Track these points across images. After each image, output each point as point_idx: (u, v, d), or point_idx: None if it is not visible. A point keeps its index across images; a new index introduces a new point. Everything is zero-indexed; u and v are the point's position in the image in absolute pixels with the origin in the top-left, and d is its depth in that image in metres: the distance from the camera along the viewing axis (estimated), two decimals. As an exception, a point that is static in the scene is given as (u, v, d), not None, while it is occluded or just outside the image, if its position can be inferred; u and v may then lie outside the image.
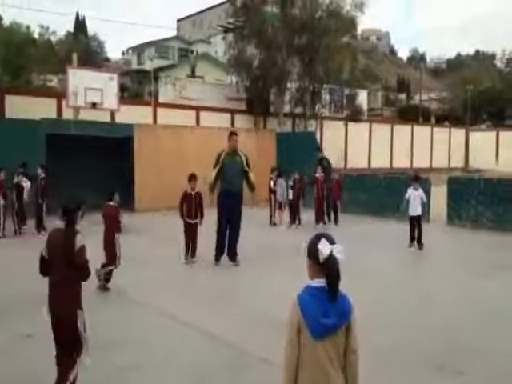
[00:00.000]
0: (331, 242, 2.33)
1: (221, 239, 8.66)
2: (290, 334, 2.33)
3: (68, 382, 3.64)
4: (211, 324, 5.68)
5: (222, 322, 5.81)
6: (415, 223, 10.22)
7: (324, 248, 2.28)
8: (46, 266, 3.71)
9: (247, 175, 8.74)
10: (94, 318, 4.47)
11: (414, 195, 10.16)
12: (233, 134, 8.82)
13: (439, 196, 14.30)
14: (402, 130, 38.88)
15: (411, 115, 45.62)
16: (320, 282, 2.31)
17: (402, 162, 37.41)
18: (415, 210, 10.16)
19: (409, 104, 54.97)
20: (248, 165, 8.73)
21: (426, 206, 10.60)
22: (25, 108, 19.98)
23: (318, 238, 2.33)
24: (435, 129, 42.76)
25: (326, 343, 2.30)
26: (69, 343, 3.71)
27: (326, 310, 2.28)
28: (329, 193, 13.25)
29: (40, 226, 11.93)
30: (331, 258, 2.27)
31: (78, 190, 15.83)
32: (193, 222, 8.70)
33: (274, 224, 13.46)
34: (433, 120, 47.52)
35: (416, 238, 10.21)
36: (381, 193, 15.40)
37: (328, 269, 2.28)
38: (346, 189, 14.42)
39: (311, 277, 2.37)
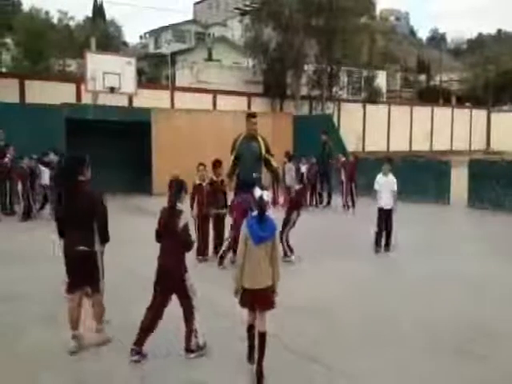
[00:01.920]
0: (261, 189, 4.18)
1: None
2: (240, 244, 4.09)
3: (193, 321, 4.45)
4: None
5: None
6: (383, 218, 8.18)
7: (257, 192, 4.13)
8: (158, 236, 4.58)
9: (269, 162, 7.67)
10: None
11: (384, 182, 8.22)
12: (250, 116, 7.90)
13: (460, 178, 14.15)
14: (422, 112, 38.16)
15: (431, 96, 44.70)
16: (259, 215, 4.07)
17: (421, 144, 36.82)
18: (385, 200, 8.16)
19: (428, 85, 53.89)
20: (268, 150, 7.67)
21: (396, 198, 8.22)
22: (44, 93, 20.23)
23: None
24: (456, 110, 41.89)
25: (260, 247, 4.01)
26: (180, 297, 4.47)
27: (261, 228, 4.00)
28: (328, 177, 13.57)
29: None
30: (261, 199, 4.07)
31: (96, 174, 16.17)
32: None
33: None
34: (453, 101, 46.53)
35: (385, 238, 8.24)
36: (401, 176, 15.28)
37: (257, 203, 4.10)
38: (364, 171, 14.33)
39: (259, 212, 4.07)
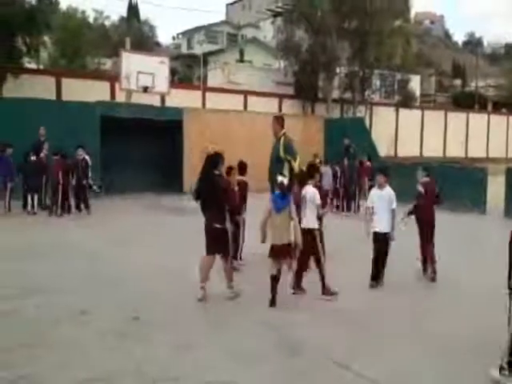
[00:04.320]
0: (282, 175, 6.04)
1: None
2: (264, 212, 5.81)
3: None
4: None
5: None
6: (380, 245, 6.56)
7: (278, 178, 5.86)
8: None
9: (290, 164, 7.41)
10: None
11: (378, 198, 6.61)
12: (274, 117, 7.86)
13: (497, 187, 13.71)
14: (457, 118, 37.27)
15: (466, 102, 43.59)
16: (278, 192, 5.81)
17: (456, 150, 35.90)
18: (380, 222, 6.53)
19: (464, 90, 52.62)
20: (287, 151, 7.44)
21: (395, 217, 6.52)
22: (80, 91, 20.62)
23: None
24: (492, 116, 40.77)
25: (281, 215, 5.70)
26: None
27: (281, 201, 5.71)
28: (354, 181, 13.30)
29: (84, 204, 12.38)
30: (282, 183, 5.75)
31: (129, 170, 16.38)
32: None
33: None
34: (489, 107, 45.29)
35: (376, 269, 6.59)
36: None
37: (278, 186, 5.81)
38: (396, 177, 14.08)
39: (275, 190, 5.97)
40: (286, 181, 5.88)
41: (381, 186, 6.61)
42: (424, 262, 7.20)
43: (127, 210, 13.52)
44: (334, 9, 28.25)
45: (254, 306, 5.88)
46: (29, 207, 11.99)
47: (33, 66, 25.57)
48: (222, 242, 5.93)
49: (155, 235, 10.10)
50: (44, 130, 12.76)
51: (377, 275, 6.60)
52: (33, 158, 11.99)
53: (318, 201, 6.17)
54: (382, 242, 6.51)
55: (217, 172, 6.06)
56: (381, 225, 6.49)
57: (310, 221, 6.13)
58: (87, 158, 12.61)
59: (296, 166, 7.47)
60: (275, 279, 5.76)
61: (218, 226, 5.89)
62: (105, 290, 6.41)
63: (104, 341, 4.80)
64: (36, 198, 12.05)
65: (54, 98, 21.21)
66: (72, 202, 12.49)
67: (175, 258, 8.12)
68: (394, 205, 6.48)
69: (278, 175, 6.02)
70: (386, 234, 6.49)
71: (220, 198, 5.93)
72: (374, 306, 6.02)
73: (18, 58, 20.86)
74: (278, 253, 5.69)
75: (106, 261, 7.87)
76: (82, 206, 12.52)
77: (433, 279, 6.99)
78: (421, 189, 7.29)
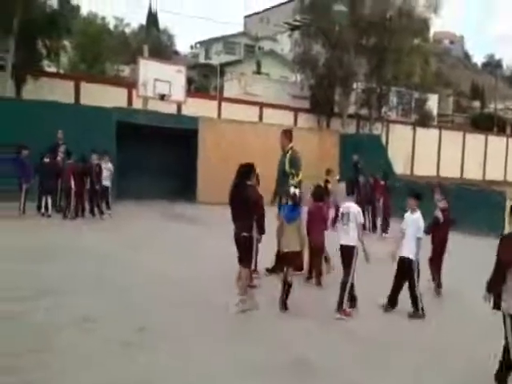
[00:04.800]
0: (295, 187, 6.64)
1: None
2: (278, 224, 6.51)
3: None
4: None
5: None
6: (403, 270, 6.33)
7: (291, 190, 6.36)
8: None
9: (292, 176, 7.64)
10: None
11: (411, 222, 6.35)
12: (282, 131, 8.15)
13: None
14: (475, 139, 36.89)
15: (485, 124, 43.16)
16: (289, 203, 6.20)
17: (473, 172, 35.45)
18: (406, 247, 6.30)
19: (482, 112, 52.15)
20: (292, 165, 7.66)
21: (420, 242, 6.26)
22: (98, 96, 20.72)
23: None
24: (511, 140, 40.36)
25: (290, 225, 6.11)
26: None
27: (291, 213, 6.13)
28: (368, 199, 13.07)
29: (98, 209, 12.40)
30: (294, 194, 6.17)
31: (144, 177, 16.36)
32: None
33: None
34: (508, 130, 44.82)
35: (410, 298, 6.27)
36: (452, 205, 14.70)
37: (291, 197, 6.18)
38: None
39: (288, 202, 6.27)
40: (298, 192, 6.27)
41: (412, 211, 6.39)
42: (433, 277, 7.32)
43: (140, 216, 13.49)
44: (353, 24, 28.23)
45: (265, 319, 5.80)
46: (43, 209, 11.97)
47: (53, 69, 25.82)
48: (246, 250, 6.06)
49: (166, 242, 10.04)
50: (62, 134, 12.83)
51: (393, 299, 6.39)
52: (46, 159, 11.99)
53: (362, 220, 6.27)
54: (406, 268, 6.28)
55: (249, 182, 6.19)
56: (406, 250, 6.27)
57: (352, 237, 6.07)
58: (110, 165, 12.74)
59: (293, 181, 7.58)
60: (286, 283, 6.11)
61: (245, 234, 6.01)
62: (113, 295, 6.36)
63: (109, 349, 4.72)
64: (50, 200, 12.03)
65: (72, 101, 21.35)
66: (86, 205, 12.48)
67: (185, 265, 8.09)
68: (421, 233, 6.27)
69: (291, 187, 6.56)
70: (410, 259, 6.25)
71: (251, 208, 6.05)
72: (389, 329, 5.84)
73: (38, 61, 21.04)
74: (287, 259, 6.14)
75: (116, 266, 7.83)
76: (96, 210, 12.52)
77: (438, 293, 7.25)
78: (440, 216, 7.27)
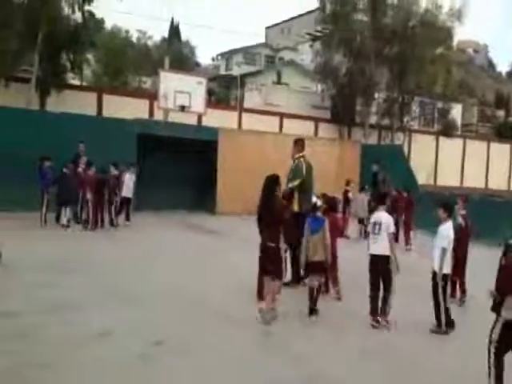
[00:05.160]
0: (317, 197, 7.08)
1: None
2: (305, 234, 6.35)
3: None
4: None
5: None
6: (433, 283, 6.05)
7: (313, 199, 6.94)
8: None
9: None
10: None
11: (437, 233, 6.17)
12: (293, 140, 8.39)
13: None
14: (500, 149, 36.12)
15: (509, 133, 42.25)
16: (314, 214, 6.52)
17: (498, 183, 34.68)
18: (434, 259, 6.06)
19: (507, 121, 51.05)
20: (292, 173, 7.83)
21: (444, 252, 5.94)
22: (120, 107, 21.01)
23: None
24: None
25: (315, 235, 6.28)
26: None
27: (314, 223, 6.37)
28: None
29: (114, 220, 12.51)
30: (315, 205, 6.62)
31: (163, 188, 16.37)
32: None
33: (347, 237, 12.95)
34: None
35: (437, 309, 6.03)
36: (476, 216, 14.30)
37: (313, 208, 6.58)
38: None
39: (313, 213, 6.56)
40: (319, 202, 6.62)
41: (443, 220, 6.16)
42: (453, 287, 7.15)
43: (160, 227, 13.48)
44: (374, 34, 28.05)
45: (284, 331, 5.70)
46: (62, 220, 12.05)
47: (76, 81, 26.33)
48: (276, 261, 6.03)
49: (185, 254, 9.97)
50: (83, 147, 12.96)
51: (438, 316, 6.04)
52: (65, 170, 12.06)
53: (393, 229, 6.29)
54: (432, 280, 6.08)
55: (277, 193, 6.28)
56: (434, 262, 6.05)
57: (384, 247, 6.03)
58: (130, 175, 12.87)
59: (288, 187, 7.65)
60: (313, 290, 6.29)
61: (272, 244, 6.02)
62: (131, 308, 6.31)
63: (126, 363, 4.67)
64: (68, 211, 12.08)
65: (94, 113, 21.68)
66: (106, 217, 12.56)
67: (204, 278, 8.00)
68: (445, 243, 5.95)
69: (314, 197, 6.80)
70: (434, 272, 6.05)
71: (279, 219, 6.13)
72: (407, 346, 5.63)
73: (62, 74, 21.48)
74: (314, 268, 6.28)
75: (134, 278, 7.81)
76: (114, 221, 12.60)
77: (463, 302, 7.28)
78: (461, 221, 7.36)
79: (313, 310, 6.23)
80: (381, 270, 6.06)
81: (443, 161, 32.45)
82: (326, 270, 6.51)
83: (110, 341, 5.20)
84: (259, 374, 4.62)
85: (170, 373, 4.55)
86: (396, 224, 12.86)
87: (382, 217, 6.16)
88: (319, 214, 6.52)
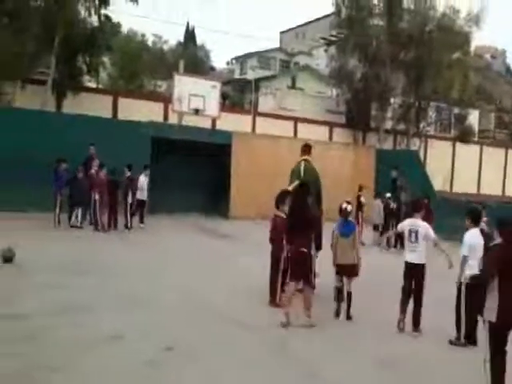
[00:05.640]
0: (347, 202, 6.70)
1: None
2: (332, 237, 6.62)
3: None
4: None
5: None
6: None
7: (343, 205, 6.61)
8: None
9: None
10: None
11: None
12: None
13: None
14: (518, 156, 35.55)
15: (527, 140, 41.54)
16: (345, 219, 6.62)
17: (515, 190, 34.10)
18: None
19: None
20: (292, 175, 7.86)
21: (465, 260, 5.73)
22: (135, 110, 21.08)
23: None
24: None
25: (344, 239, 6.49)
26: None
27: (344, 226, 6.57)
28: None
29: (128, 222, 12.45)
30: (343, 209, 6.59)
31: (177, 191, 16.32)
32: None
33: (362, 244, 12.75)
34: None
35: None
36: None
37: (342, 213, 6.61)
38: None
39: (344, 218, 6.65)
40: (349, 208, 6.62)
41: (468, 228, 5.97)
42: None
43: (173, 230, 13.45)
44: (390, 39, 27.80)
45: (296, 339, 5.55)
46: (73, 221, 12.07)
47: (93, 84, 26.52)
48: (306, 267, 6.09)
49: (198, 258, 9.90)
50: (94, 150, 12.99)
51: (458, 327, 5.87)
52: (79, 173, 12.16)
53: (433, 235, 6.13)
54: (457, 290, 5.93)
55: (309, 201, 6.41)
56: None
57: (421, 256, 6.03)
58: (144, 177, 12.96)
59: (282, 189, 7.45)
60: (340, 291, 6.57)
61: (304, 249, 6.07)
62: (140, 311, 6.23)
63: (135, 368, 4.57)
64: (80, 212, 12.12)
65: (110, 116, 21.79)
66: (120, 218, 12.57)
67: (216, 282, 7.94)
68: (465, 251, 5.72)
69: (344, 202, 6.69)
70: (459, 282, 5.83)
71: (311, 226, 6.26)
72: (422, 356, 5.42)
73: (78, 77, 21.63)
74: (345, 271, 6.49)
75: (145, 281, 7.74)
76: (129, 223, 12.60)
77: None
78: (485, 227, 7.53)
79: (338, 311, 6.54)
80: (415, 277, 6.06)
81: (460, 167, 31.99)
82: (357, 273, 6.52)
83: (119, 345, 5.12)
84: (268, 380, 4.54)
85: (177, 379, 4.47)
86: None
87: (420, 226, 6.11)
88: (351, 218, 6.72)
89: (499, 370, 4.15)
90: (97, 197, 12.01)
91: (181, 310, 6.45)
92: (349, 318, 6.47)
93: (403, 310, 6.15)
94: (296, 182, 7.68)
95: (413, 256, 6.07)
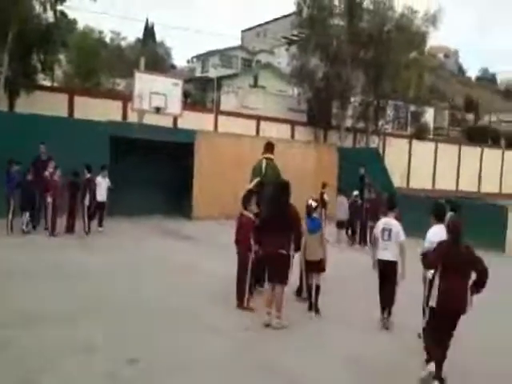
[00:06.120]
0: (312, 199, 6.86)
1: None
2: (304, 235, 6.50)
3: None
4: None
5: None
6: None
7: (309, 201, 6.79)
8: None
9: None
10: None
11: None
12: None
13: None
14: (471, 152, 36.94)
15: (479, 136, 43.34)
16: (310, 216, 6.73)
17: (468, 185, 35.47)
18: None
19: (477, 124, 52.33)
20: (253, 173, 7.91)
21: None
22: (92, 109, 20.46)
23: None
24: (506, 153, 40.37)
25: (313, 235, 6.59)
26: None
27: (312, 223, 6.66)
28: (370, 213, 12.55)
29: (86, 226, 12.05)
30: (310, 206, 6.72)
31: (138, 192, 15.90)
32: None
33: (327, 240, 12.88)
34: (503, 142, 44.92)
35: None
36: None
37: (306, 209, 6.76)
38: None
39: (308, 214, 6.75)
40: (314, 204, 6.71)
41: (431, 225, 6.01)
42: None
43: (133, 233, 13.09)
44: (350, 38, 28.22)
45: (268, 344, 5.42)
46: (23, 226, 11.50)
47: (47, 82, 25.58)
48: (285, 269, 6.04)
49: (159, 261, 9.63)
50: (45, 148, 12.43)
51: None
52: (28, 175, 11.54)
53: (402, 237, 6.23)
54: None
55: (288, 200, 6.26)
56: None
57: (393, 253, 6.20)
58: (107, 180, 12.60)
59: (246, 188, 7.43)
60: (311, 288, 6.68)
61: (283, 251, 6.00)
62: (100, 321, 5.97)
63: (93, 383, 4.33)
64: (27, 216, 11.53)
65: (65, 115, 21.07)
66: (76, 222, 12.10)
67: (182, 287, 7.72)
68: (425, 246, 5.73)
69: (310, 199, 6.76)
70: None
71: (290, 226, 6.12)
72: (395, 355, 5.46)
73: (32, 74, 20.80)
74: (313, 266, 6.60)
75: (104, 287, 7.45)
76: (87, 227, 12.14)
77: None
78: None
79: (312, 306, 6.62)
80: (387, 273, 6.27)
81: (416, 163, 32.96)
82: (324, 269, 6.64)
83: (78, 357, 4.89)
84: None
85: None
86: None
87: (392, 224, 6.28)
88: (315, 215, 6.74)
89: (434, 341, 4.68)
90: (49, 199, 11.49)
91: (144, 316, 6.24)
92: (317, 310, 6.61)
93: (383, 310, 6.37)
94: (257, 179, 7.67)
95: (385, 253, 6.26)
